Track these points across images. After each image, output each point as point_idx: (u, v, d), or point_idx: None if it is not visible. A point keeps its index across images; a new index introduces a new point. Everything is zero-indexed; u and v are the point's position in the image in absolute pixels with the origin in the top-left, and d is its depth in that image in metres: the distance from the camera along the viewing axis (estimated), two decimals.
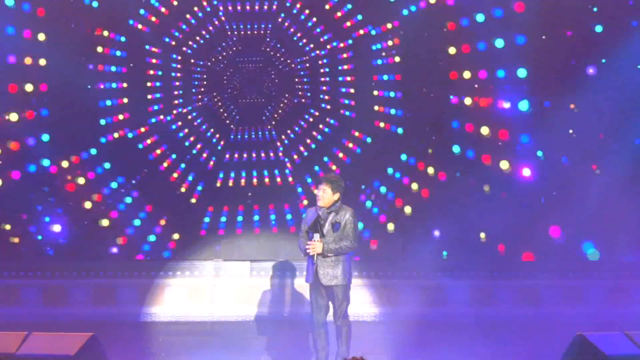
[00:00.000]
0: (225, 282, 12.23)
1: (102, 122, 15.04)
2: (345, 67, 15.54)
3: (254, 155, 15.40)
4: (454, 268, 12.73)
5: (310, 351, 10.21)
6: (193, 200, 15.02)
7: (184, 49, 15.45)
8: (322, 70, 15.70)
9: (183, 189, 15.10)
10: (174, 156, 15.27)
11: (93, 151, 14.84)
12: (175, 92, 15.52)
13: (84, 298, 12.29)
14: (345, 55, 15.52)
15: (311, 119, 15.51)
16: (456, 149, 14.44)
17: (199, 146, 15.38)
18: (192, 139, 15.39)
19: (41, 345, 9.37)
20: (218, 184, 15.15)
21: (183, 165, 15.26)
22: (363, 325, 10.90)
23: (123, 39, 15.28)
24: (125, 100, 15.20)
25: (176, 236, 14.47)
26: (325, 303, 9.67)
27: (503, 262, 12.94)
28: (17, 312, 11.59)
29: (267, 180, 15.25)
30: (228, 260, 12.70)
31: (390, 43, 15.35)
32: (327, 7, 15.44)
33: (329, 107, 15.40)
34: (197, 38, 15.57)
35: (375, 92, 15.29)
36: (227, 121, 15.46)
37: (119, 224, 14.33)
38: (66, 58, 14.28)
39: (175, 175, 15.20)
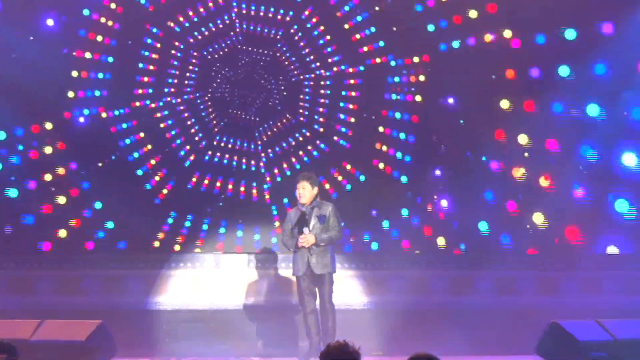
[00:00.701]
0: (225, 273, 12.27)
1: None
2: (353, 93, 14.38)
3: (234, 161, 14.36)
4: (436, 260, 12.80)
5: (300, 335, 10.49)
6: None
7: (189, 39, 14.44)
8: (322, 92, 14.54)
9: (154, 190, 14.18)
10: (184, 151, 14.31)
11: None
12: (169, 80, 14.43)
13: (94, 288, 12.23)
14: (352, 81, 14.36)
15: (301, 138, 14.43)
16: None
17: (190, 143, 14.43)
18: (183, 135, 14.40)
19: (54, 332, 9.67)
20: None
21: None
22: (353, 313, 11.06)
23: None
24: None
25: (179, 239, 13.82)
26: (314, 291, 9.93)
27: (484, 255, 12.76)
28: (31, 301, 11.60)
29: (242, 189, 14.19)
30: (227, 253, 12.75)
31: (412, 79, 14.15)
32: (345, 26, 14.45)
33: (322, 129, 14.40)
34: (203, 30, 14.50)
35: (381, 129, 14.24)
36: (213, 123, 14.41)
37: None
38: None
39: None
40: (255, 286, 11.93)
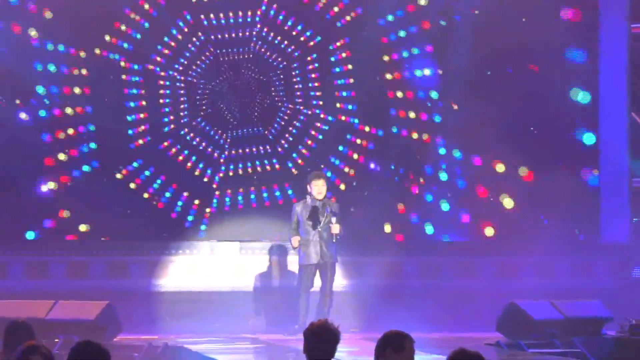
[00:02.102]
0: (219, 259, 12.37)
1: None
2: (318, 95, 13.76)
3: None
4: (408, 248, 12.87)
5: (287, 315, 10.62)
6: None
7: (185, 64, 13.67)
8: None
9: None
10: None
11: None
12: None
13: (102, 272, 12.29)
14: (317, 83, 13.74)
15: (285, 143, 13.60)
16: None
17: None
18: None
19: (66, 311, 9.84)
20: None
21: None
22: (334, 295, 10.90)
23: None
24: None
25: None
26: (314, 279, 10.16)
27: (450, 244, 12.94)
28: (46, 284, 11.59)
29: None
30: (221, 240, 12.70)
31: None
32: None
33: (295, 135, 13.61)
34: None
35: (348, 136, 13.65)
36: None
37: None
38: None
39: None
40: (247, 270, 11.95)
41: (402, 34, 13.74)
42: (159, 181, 13.46)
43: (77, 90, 13.48)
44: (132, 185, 13.25)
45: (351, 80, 13.88)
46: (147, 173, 13.48)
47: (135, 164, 13.43)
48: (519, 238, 12.69)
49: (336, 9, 14.00)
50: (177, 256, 12.60)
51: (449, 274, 12.71)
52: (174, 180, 13.47)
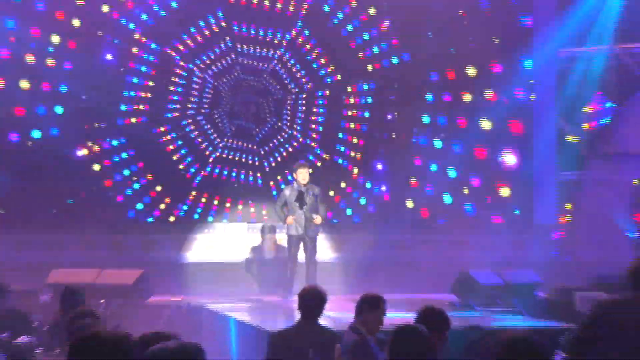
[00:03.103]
0: (231, 237, 12.34)
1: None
2: (320, 110, 13.37)
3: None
4: (383, 226, 12.87)
5: (281, 280, 10.43)
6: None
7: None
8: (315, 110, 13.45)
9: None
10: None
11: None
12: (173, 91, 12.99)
13: (138, 246, 12.23)
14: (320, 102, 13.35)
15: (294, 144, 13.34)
16: None
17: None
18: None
19: (110, 278, 9.83)
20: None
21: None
22: (322, 266, 10.76)
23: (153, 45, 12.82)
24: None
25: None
26: (299, 250, 10.02)
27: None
28: (94, 256, 11.47)
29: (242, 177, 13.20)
30: (232, 222, 12.74)
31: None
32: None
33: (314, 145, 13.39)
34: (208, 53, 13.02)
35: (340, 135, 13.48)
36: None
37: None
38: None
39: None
40: (252, 246, 11.84)
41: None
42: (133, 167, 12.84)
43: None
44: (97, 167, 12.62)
45: (351, 125, 13.49)
46: (124, 155, 12.78)
47: (115, 142, 12.78)
48: (471, 219, 12.85)
49: (370, 51, 13.32)
50: (198, 234, 12.52)
51: (414, 247, 12.72)
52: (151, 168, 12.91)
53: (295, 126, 13.37)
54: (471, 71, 13.16)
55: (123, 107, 12.81)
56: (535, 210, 13.26)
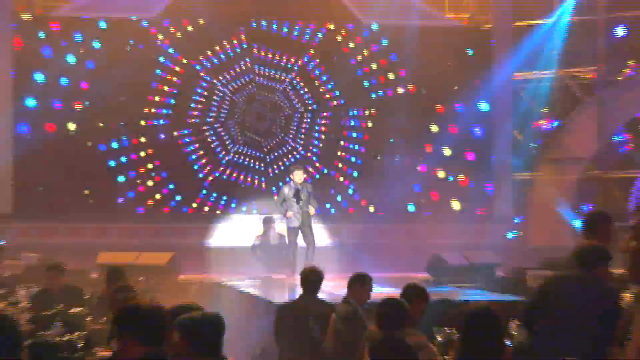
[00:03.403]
0: (246, 226, 12.16)
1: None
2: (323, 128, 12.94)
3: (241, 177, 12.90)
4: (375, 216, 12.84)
5: (285, 262, 10.16)
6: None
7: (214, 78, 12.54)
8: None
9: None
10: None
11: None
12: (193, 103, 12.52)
13: (170, 233, 12.21)
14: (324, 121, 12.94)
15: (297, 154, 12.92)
16: None
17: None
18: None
19: (147, 259, 9.77)
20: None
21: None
22: (319, 250, 10.43)
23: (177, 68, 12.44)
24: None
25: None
26: (297, 236, 9.84)
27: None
28: (132, 242, 11.48)
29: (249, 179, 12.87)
30: (248, 214, 12.65)
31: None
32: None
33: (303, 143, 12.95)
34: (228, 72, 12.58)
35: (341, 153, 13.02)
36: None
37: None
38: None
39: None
40: (261, 234, 11.53)
41: None
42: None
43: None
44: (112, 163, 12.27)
45: (351, 149, 13.16)
46: (142, 154, 12.44)
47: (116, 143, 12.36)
48: (443, 213, 12.84)
49: (376, 79, 13.00)
50: (219, 224, 12.39)
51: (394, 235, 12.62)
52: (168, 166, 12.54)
53: (298, 140, 13.09)
54: (439, 107, 13.27)
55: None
56: (495, 205, 13.25)
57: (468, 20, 13.42)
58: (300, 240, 9.92)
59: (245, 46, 12.70)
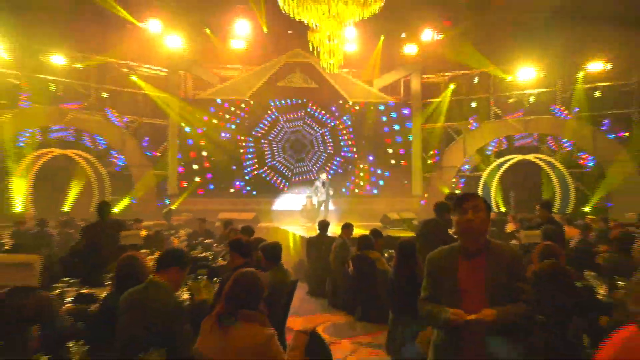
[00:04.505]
0: (292, 200, 10.66)
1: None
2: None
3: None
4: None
5: (312, 217, 9.26)
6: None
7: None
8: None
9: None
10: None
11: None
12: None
13: (252, 203, 10.66)
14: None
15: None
16: None
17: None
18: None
19: (243, 216, 9.22)
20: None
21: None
22: (331, 212, 9.55)
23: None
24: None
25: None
26: (322, 207, 9.17)
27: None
28: (235, 207, 10.11)
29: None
30: (291, 193, 10.95)
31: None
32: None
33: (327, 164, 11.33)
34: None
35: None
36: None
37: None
38: None
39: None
40: (302, 204, 9.79)
41: None
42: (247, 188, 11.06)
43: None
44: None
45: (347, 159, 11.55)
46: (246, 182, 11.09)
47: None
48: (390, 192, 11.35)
49: (341, 121, 11.41)
50: (277, 199, 10.97)
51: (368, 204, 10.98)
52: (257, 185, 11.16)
53: (314, 167, 11.60)
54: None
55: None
56: (414, 187, 11.62)
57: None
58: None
59: (301, 101, 11.46)
